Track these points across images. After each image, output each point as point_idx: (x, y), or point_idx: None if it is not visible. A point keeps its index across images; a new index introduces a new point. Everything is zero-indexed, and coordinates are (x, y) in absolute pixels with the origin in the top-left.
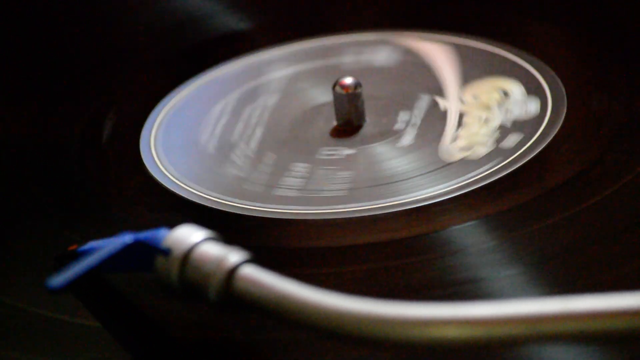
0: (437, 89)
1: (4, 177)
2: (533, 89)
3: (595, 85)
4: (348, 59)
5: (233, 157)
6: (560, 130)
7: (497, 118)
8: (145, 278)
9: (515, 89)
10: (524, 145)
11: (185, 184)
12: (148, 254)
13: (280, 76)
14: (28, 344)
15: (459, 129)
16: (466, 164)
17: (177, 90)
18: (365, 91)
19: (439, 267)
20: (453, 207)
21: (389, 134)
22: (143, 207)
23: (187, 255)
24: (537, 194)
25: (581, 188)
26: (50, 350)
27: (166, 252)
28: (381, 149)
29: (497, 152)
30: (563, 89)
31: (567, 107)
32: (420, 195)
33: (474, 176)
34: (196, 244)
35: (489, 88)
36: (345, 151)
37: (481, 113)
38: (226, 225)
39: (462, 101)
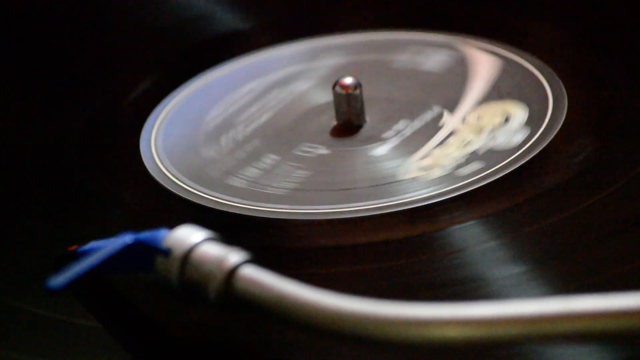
0: (453, 103)
1: (3, 177)
2: (536, 115)
3: (595, 85)
4: (403, 57)
5: (221, 139)
6: (560, 130)
7: (478, 144)
8: (145, 278)
9: (520, 115)
10: (484, 171)
11: (185, 184)
12: (148, 255)
13: (325, 65)
14: (28, 344)
15: (437, 148)
16: (405, 184)
17: (177, 90)
18: (384, 93)
19: (439, 267)
20: (453, 207)
21: (373, 139)
22: (143, 207)
23: (187, 256)
24: (538, 193)
25: (581, 188)
26: (50, 350)
27: (166, 253)
28: (353, 155)
29: (448, 178)
30: (564, 89)
31: (568, 107)
32: (421, 195)
33: (408, 197)
34: (196, 244)
35: (496, 111)
36: (320, 150)
37: (469, 135)
38: (226, 225)
39: (463, 120)
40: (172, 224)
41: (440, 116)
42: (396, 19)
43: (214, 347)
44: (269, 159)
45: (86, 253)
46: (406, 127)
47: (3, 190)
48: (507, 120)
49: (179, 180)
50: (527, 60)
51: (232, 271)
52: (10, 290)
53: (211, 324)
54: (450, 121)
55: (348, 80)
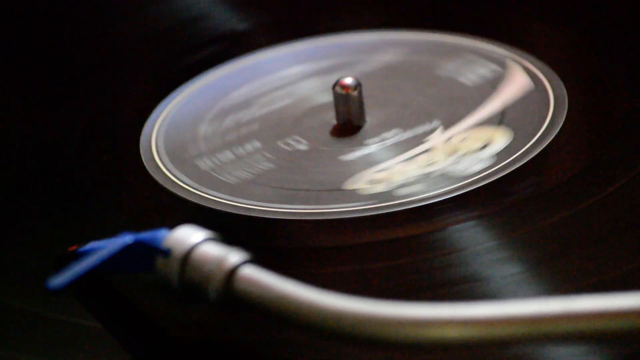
0: (455, 120)
1: (3, 177)
2: (521, 139)
3: (595, 85)
4: (450, 65)
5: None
6: (561, 130)
7: (439, 166)
8: (145, 278)
9: (498, 145)
10: (421, 193)
11: (185, 184)
12: (148, 255)
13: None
14: (28, 344)
15: (402, 163)
16: (341, 195)
17: (177, 90)
18: (399, 98)
19: (438, 267)
20: (453, 207)
21: (355, 143)
22: (143, 207)
23: (187, 256)
24: (538, 193)
25: (581, 188)
26: (50, 350)
27: (166, 253)
28: (325, 156)
29: (382, 195)
30: (564, 89)
31: (568, 107)
32: (421, 195)
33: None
34: (196, 245)
35: (482, 135)
36: (301, 146)
37: (439, 156)
38: (226, 225)
39: (448, 139)
40: (172, 224)
41: (432, 131)
42: (396, 19)
43: (214, 347)
44: (251, 146)
45: (86, 253)
46: (394, 135)
47: (3, 190)
48: (484, 147)
49: (179, 180)
50: (527, 60)
51: (232, 271)
52: (10, 290)
53: (211, 324)
54: (436, 138)
55: (348, 81)
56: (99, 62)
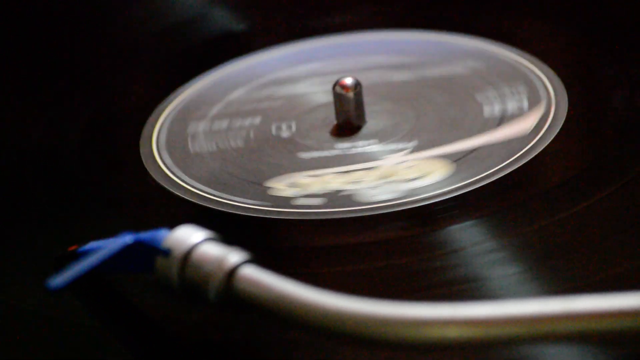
0: (429, 146)
1: (4, 177)
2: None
3: (595, 85)
4: (488, 93)
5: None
6: (561, 130)
7: (356, 187)
8: (145, 278)
9: (434, 177)
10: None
11: (185, 184)
12: (148, 255)
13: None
14: (28, 344)
15: (335, 174)
16: (260, 190)
17: (178, 90)
18: (411, 112)
19: (438, 267)
20: (453, 207)
21: (326, 145)
22: (143, 207)
23: (187, 256)
24: (538, 193)
25: (581, 188)
26: (50, 350)
27: (166, 253)
28: (293, 148)
29: (282, 200)
30: (564, 89)
31: (568, 107)
32: (420, 195)
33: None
34: (196, 245)
35: (428, 167)
36: (284, 133)
37: (369, 177)
38: (226, 225)
39: (397, 163)
40: (172, 224)
41: (398, 150)
42: (396, 19)
43: (214, 347)
44: (244, 122)
45: (86, 253)
46: (365, 145)
47: (3, 190)
48: (417, 178)
49: (180, 180)
50: (527, 60)
51: (232, 271)
52: (10, 290)
53: (211, 324)
54: (391, 159)
55: (348, 81)
56: (99, 62)
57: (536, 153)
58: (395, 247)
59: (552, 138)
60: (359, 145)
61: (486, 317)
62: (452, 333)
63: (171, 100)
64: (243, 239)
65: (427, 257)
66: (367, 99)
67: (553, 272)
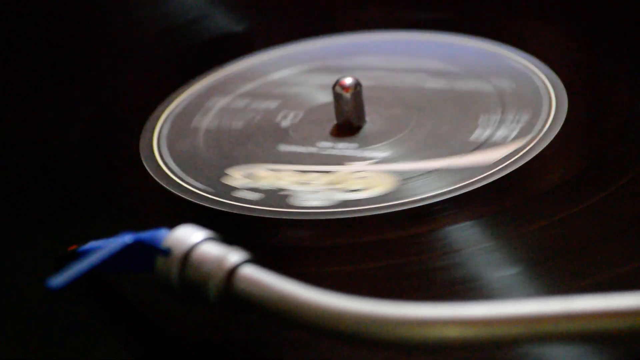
0: (399, 159)
1: (4, 177)
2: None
3: (595, 85)
4: (490, 115)
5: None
6: (560, 131)
7: (301, 188)
8: (145, 278)
9: (373, 192)
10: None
11: (186, 184)
12: (148, 254)
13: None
14: (28, 344)
15: (292, 172)
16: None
17: (177, 91)
18: (412, 122)
19: (438, 267)
20: (453, 207)
21: (306, 142)
22: (143, 207)
23: (187, 256)
24: (538, 193)
25: (581, 188)
26: (50, 350)
27: (166, 253)
28: (280, 140)
29: (225, 188)
30: (564, 89)
31: (568, 107)
32: (420, 195)
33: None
34: (196, 244)
35: (376, 180)
36: (284, 123)
37: (320, 180)
38: (226, 225)
39: (354, 172)
40: (172, 224)
41: (367, 159)
42: (395, 19)
43: (214, 347)
44: (261, 105)
45: (86, 253)
46: (343, 148)
47: (3, 190)
48: (358, 190)
49: (180, 179)
50: (527, 60)
51: (232, 271)
52: (10, 290)
53: (211, 324)
54: (353, 166)
55: (348, 81)
56: (99, 62)
57: (536, 153)
58: (395, 247)
59: (552, 138)
60: (338, 147)
61: (486, 317)
62: (452, 333)
63: (171, 101)
64: (243, 239)
65: (427, 257)
66: (381, 101)
67: (553, 272)
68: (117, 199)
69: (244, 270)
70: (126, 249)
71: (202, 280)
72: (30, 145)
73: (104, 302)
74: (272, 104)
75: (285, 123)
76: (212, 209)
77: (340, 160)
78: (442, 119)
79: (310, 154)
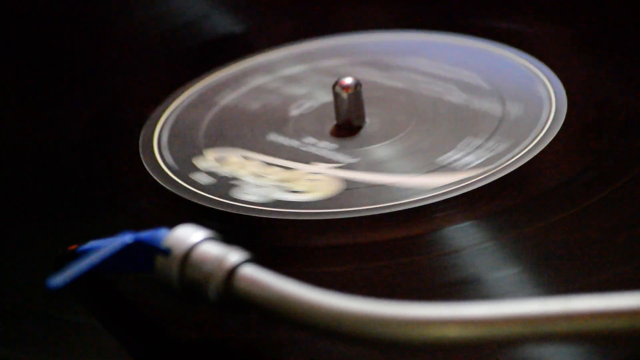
0: (368, 168)
1: (4, 177)
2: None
3: (595, 85)
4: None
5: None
6: (560, 131)
7: (252, 181)
8: (145, 278)
9: (314, 195)
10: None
11: (186, 184)
12: (148, 254)
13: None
14: (28, 344)
15: (259, 162)
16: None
17: (178, 91)
18: (411, 128)
19: (438, 267)
20: (453, 206)
21: (296, 135)
22: (143, 207)
23: (187, 255)
24: (538, 193)
25: (581, 188)
26: (50, 350)
27: (166, 252)
28: (269, 126)
29: (185, 166)
30: (563, 89)
31: (568, 108)
32: (420, 196)
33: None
34: (196, 244)
35: (317, 185)
36: (294, 112)
37: (274, 175)
38: (226, 225)
39: (311, 173)
40: (172, 224)
41: (331, 162)
42: (396, 20)
43: (214, 347)
44: (293, 90)
45: (86, 252)
46: (322, 147)
47: (3, 190)
48: (297, 192)
49: (180, 179)
50: (527, 60)
51: (232, 271)
52: (10, 290)
53: (211, 324)
54: (314, 167)
55: (347, 81)
56: (99, 62)
57: (536, 153)
58: (395, 247)
59: (551, 138)
60: (318, 145)
61: (486, 317)
62: (452, 333)
63: (171, 101)
64: (243, 239)
65: (427, 257)
66: (389, 105)
67: (553, 272)
68: (117, 199)
69: (244, 270)
70: (126, 249)
71: (202, 280)
72: (30, 145)
73: (104, 302)
74: (301, 90)
75: (294, 113)
76: (213, 208)
77: (309, 158)
78: (431, 134)
79: (290, 148)
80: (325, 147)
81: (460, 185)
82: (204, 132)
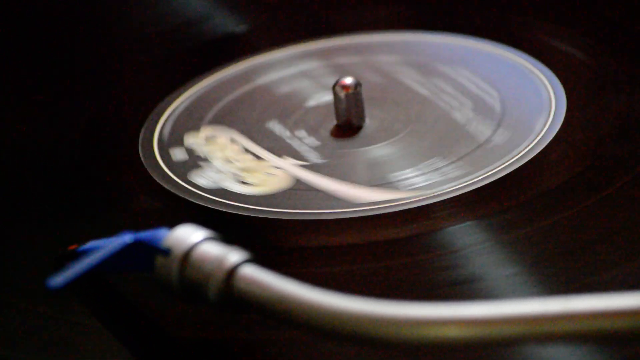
0: (339, 176)
1: (4, 177)
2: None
3: (595, 85)
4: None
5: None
6: (560, 131)
7: (219, 166)
8: (145, 278)
9: (258, 190)
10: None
11: (186, 184)
12: (148, 254)
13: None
14: (28, 344)
15: (240, 149)
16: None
17: (177, 91)
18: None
19: (438, 267)
20: (453, 206)
21: (293, 127)
22: (143, 207)
23: (187, 255)
24: (538, 193)
25: (581, 188)
26: (50, 350)
27: (166, 252)
28: (264, 119)
29: (170, 141)
30: (563, 89)
31: (567, 108)
32: (421, 195)
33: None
34: (196, 244)
35: (277, 183)
36: (309, 103)
37: (244, 162)
38: (226, 225)
39: (277, 168)
40: (172, 224)
41: (301, 160)
42: (395, 19)
43: (214, 347)
44: (324, 79)
45: (86, 252)
46: (309, 142)
47: (3, 190)
48: (247, 184)
49: (180, 179)
50: (527, 60)
51: (232, 271)
52: (10, 290)
53: (211, 324)
54: (280, 162)
55: (348, 80)
56: (99, 62)
57: (536, 153)
58: (395, 247)
59: (551, 138)
60: (303, 141)
61: (486, 317)
62: (452, 333)
63: (172, 101)
64: (243, 239)
65: (427, 257)
66: (398, 110)
67: (553, 272)
68: (117, 199)
69: (244, 270)
70: (126, 249)
71: (202, 280)
72: (30, 145)
73: (104, 302)
74: (333, 81)
75: (309, 104)
76: (213, 209)
77: (284, 152)
78: (407, 148)
79: (277, 138)
80: (308, 143)
81: (460, 186)
82: (220, 107)
